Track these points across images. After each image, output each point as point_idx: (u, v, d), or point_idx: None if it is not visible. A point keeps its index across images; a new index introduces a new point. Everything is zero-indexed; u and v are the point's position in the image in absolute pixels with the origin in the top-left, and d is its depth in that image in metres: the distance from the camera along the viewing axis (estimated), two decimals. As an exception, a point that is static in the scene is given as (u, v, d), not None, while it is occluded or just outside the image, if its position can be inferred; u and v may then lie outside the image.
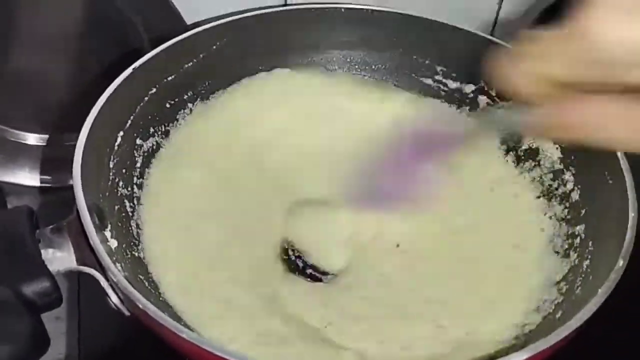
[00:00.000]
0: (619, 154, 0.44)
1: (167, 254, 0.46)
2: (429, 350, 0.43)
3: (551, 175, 0.51)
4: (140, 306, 0.35)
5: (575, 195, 0.49)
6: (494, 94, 0.55)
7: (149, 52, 0.51)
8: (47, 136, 0.63)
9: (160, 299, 0.43)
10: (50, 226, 0.40)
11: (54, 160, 0.63)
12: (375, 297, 0.46)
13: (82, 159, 0.43)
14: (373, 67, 0.60)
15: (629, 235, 0.40)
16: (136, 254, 0.46)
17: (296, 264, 0.49)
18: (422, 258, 0.49)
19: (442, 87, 0.58)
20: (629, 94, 0.29)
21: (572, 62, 0.28)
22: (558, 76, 0.29)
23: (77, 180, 0.41)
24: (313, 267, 0.49)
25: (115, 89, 0.48)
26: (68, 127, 0.60)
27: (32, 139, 0.63)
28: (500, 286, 0.46)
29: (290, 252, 0.49)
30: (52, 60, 0.62)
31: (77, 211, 0.40)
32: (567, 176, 0.50)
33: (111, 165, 0.47)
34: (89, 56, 0.62)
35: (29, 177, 0.63)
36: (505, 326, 0.44)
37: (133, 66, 0.50)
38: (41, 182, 0.63)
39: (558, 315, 0.42)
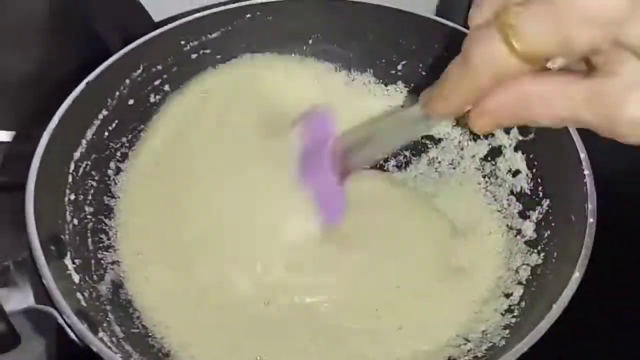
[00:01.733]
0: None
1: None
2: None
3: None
4: (95, 349, 0.36)
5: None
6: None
7: (117, 50, 0.51)
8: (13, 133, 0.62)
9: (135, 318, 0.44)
10: (5, 263, 0.40)
11: (20, 157, 0.62)
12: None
13: (36, 186, 0.42)
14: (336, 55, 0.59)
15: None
16: (104, 273, 0.46)
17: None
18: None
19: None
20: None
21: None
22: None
23: (29, 212, 0.41)
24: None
25: (68, 107, 0.47)
26: (36, 124, 0.59)
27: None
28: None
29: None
30: (18, 57, 0.61)
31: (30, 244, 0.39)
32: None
33: (70, 188, 0.47)
34: (56, 53, 0.61)
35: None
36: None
37: (87, 80, 0.49)
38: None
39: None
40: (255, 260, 0.47)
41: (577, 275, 0.39)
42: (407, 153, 0.57)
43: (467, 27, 0.32)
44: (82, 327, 0.36)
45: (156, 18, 0.64)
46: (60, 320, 0.38)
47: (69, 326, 0.38)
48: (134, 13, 0.63)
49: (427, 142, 0.57)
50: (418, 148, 0.57)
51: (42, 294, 0.39)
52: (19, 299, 0.39)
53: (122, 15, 0.63)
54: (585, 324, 0.44)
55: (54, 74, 0.60)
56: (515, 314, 0.44)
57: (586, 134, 0.41)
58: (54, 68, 0.60)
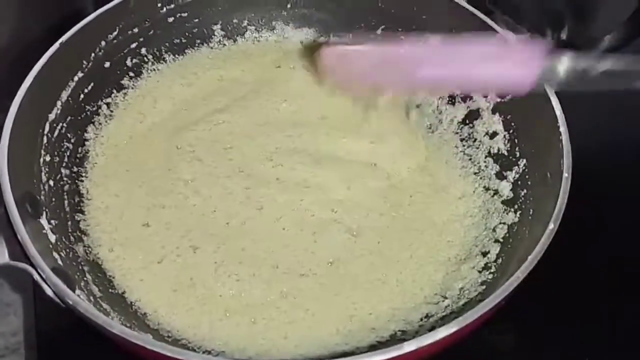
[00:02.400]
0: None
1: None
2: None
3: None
4: (70, 302, 0.36)
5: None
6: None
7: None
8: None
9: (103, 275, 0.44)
10: (-22, 221, 0.40)
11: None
12: None
13: (10, 144, 0.42)
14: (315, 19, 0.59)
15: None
16: (79, 234, 0.46)
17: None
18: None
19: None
20: None
21: None
22: None
23: (3, 170, 0.40)
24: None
25: (40, 69, 0.46)
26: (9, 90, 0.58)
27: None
28: None
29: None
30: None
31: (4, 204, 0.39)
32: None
33: (45, 149, 0.47)
34: (29, 16, 0.60)
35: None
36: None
37: (61, 40, 0.48)
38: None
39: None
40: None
41: (552, 227, 0.39)
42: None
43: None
44: (59, 282, 0.36)
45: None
46: (37, 277, 0.38)
47: (46, 282, 0.38)
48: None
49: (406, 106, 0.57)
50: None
51: (18, 252, 0.39)
52: (-6, 256, 0.39)
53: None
54: (558, 280, 0.45)
55: (25, 39, 0.59)
56: (492, 270, 0.45)
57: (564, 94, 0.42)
58: (26, 33, 0.59)
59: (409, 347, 0.34)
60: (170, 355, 0.33)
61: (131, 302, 0.44)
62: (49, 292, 0.38)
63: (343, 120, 0.54)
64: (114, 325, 0.35)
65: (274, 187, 0.49)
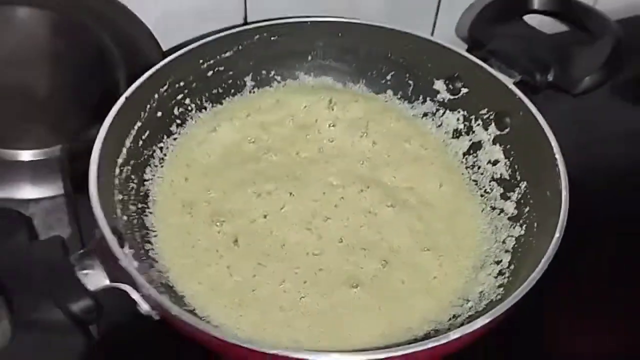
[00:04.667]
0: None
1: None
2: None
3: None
4: (174, 313, 0.43)
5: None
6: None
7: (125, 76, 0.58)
8: (33, 151, 0.68)
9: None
10: (80, 251, 0.47)
11: (43, 174, 0.68)
12: None
13: (97, 184, 0.49)
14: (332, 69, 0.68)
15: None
16: (151, 261, 0.53)
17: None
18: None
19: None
20: None
21: None
22: None
23: (96, 206, 0.48)
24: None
25: (112, 119, 0.54)
26: (54, 141, 0.66)
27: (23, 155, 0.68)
28: None
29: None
30: (33, 78, 0.67)
31: (102, 235, 0.46)
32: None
33: (117, 189, 0.54)
34: (70, 75, 0.67)
35: (21, 192, 0.68)
36: None
37: (125, 94, 0.56)
38: (31, 195, 0.68)
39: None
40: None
41: (558, 236, 0.48)
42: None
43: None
44: (160, 296, 0.43)
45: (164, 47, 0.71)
46: (135, 296, 0.45)
47: (145, 299, 0.45)
48: (146, 43, 0.69)
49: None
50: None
51: (113, 275, 0.46)
52: (97, 280, 0.45)
53: (135, 44, 0.69)
54: (568, 278, 0.54)
55: (75, 99, 0.66)
56: (506, 275, 0.53)
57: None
58: (74, 93, 0.67)
59: (454, 335, 0.42)
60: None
61: (202, 318, 0.51)
62: (146, 308, 0.45)
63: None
64: (214, 330, 0.42)
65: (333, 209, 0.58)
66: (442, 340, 0.42)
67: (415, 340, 0.49)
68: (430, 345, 0.42)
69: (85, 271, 0.46)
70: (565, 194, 0.50)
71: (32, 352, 0.40)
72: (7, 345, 0.40)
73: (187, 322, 0.42)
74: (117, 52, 0.67)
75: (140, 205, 0.57)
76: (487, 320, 0.43)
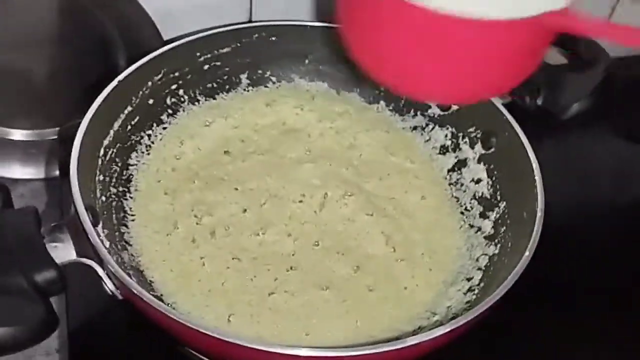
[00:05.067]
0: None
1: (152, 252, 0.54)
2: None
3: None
4: (135, 292, 0.43)
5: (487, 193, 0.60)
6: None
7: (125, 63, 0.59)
8: (29, 131, 0.69)
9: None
10: (53, 224, 0.47)
11: (36, 154, 0.69)
12: None
13: (78, 162, 0.50)
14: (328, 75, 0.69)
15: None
16: (124, 243, 0.54)
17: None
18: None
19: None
20: None
21: None
22: None
23: (74, 182, 0.48)
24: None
25: (102, 101, 0.54)
26: (49, 123, 0.66)
27: (16, 134, 0.69)
28: None
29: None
30: (33, 61, 0.68)
31: (76, 211, 0.47)
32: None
33: (99, 170, 0.54)
34: (70, 59, 0.68)
35: (13, 171, 0.68)
36: None
37: (118, 78, 0.57)
38: (24, 175, 0.68)
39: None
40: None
41: (527, 255, 0.48)
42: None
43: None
44: (124, 275, 0.43)
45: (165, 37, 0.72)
46: (101, 272, 0.46)
47: (110, 277, 0.45)
48: (148, 31, 0.70)
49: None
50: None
51: (82, 251, 0.46)
52: (65, 253, 0.46)
53: (137, 32, 0.70)
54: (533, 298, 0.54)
55: (73, 83, 0.67)
56: (475, 292, 0.53)
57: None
58: (72, 77, 0.68)
59: (411, 341, 0.42)
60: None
61: (169, 304, 0.51)
62: (110, 287, 0.46)
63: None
64: (176, 314, 0.42)
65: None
66: (398, 345, 0.42)
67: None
68: (383, 349, 0.42)
69: (54, 244, 0.46)
70: (540, 215, 0.50)
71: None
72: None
73: (148, 303, 0.42)
74: (118, 38, 0.68)
75: (121, 189, 0.57)
76: (446, 330, 0.43)
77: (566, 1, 0.39)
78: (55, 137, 0.66)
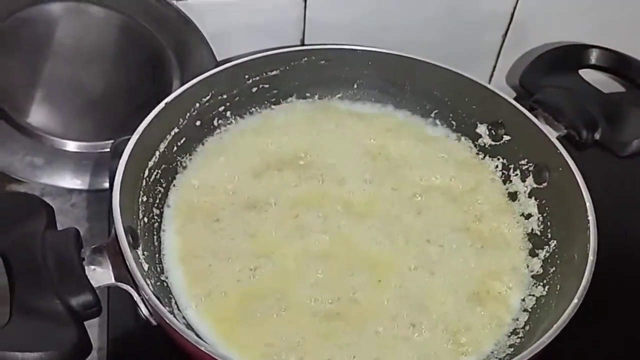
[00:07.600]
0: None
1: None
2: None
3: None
4: (167, 320, 0.43)
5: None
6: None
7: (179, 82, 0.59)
8: (83, 143, 0.70)
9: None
10: (93, 246, 0.47)
11: (88, 166, 0.70)
12: None
13: (122, 183, 0.50)
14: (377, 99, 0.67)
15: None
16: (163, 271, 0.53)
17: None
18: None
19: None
20: None
21: None
22: None
23: (115, 205, 0.49)
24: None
25: (148, 123, 0.55)
26: (103, 136, 0.67)
27: (71, 145, 0.70)
28: None
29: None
30: (93, 75, 0.69)
31: (115, 234, 0.47)
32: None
33: (143, 190, 0.55)
34: (126, 75, 0.69)
35: (66, 181, 0.70)
36: None
37: (166, 100, 0.57)
38: (76, 185, 0.70)
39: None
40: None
41: (575, 302, 0.45)
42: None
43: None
44: (157, 303, 0.43)
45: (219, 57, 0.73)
46: (136, 297, 0.46)
47: (144, 302, 0.45)
48: (202, 52, 0.71)
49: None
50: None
51: (121, 275, 0.46)
52: (103, 277, 0.46)
53: (192, 52, 0.71)
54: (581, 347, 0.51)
55: (128, 99, 0.68)
56: (519, 335, 0.51)
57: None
58: (127, 93, 0.69)
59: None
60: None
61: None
62: (145, 312, 0.46)
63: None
64: (203, 344, 0.42)
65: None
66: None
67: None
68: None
69: (93, 266, 0.46)
70: (592, 258, 0.48)
71: (22, 338, 0.41)
72: (1, 327, 0.41)
73: (178, 332, 0.42)
74: (173, 58, 0.69)
75: (162, 211, 0.57)
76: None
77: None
78: (107, 149, 0.67)
